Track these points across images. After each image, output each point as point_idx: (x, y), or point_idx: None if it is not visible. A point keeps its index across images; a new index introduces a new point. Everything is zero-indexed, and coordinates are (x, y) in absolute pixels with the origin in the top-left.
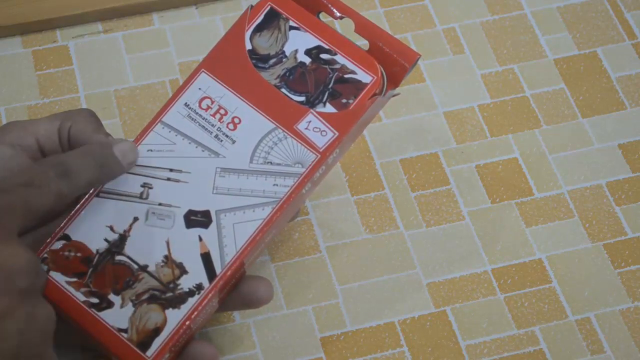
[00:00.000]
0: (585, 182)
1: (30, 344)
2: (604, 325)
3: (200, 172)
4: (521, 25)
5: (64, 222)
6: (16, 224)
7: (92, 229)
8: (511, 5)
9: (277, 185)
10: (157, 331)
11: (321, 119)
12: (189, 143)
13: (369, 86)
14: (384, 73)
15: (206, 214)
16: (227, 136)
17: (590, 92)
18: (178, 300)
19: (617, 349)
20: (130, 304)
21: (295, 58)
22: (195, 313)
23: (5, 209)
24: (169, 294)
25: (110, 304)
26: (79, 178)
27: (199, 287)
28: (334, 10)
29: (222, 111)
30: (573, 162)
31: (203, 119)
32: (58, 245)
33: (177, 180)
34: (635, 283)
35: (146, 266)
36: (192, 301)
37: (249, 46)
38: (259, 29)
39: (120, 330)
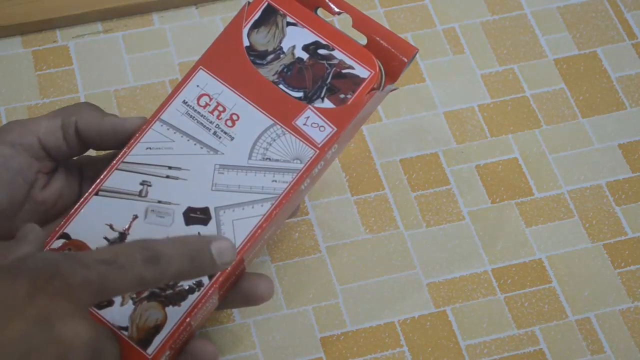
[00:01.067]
0: (585, 182)
1: None
2: (604, 325)
3: (199, 169)
4: (521, 25)
5: (64, 220)
6: (88, 300)
7: (91, 228)
8: (511, 5)
9: (276, 181)
10: (157, 329)
11: (319, 114)
12: (188, 140)
13: (366, 81)
14: (382, 68)
15: (205, 211)
16: (225, 133)
17: (590, 92)
18: (178, 298)
19: (617, 349)
20: (130, 301)
21: (293, 54)
22: (195, 310)
23: (79, 283)
24: (169, 292)
25: (110, 302)
26: (167, 267)
27: (199, 284)
28: (332, 5)
29: (220, 108)
30: (573, 162)
31: (201, 116)
32: (58, 244)
33: (176, 178)
34: (635, 283)
35: None
36: (192, 298)
37: (246, 43)
38: (256, 25)
39: (120, 328)
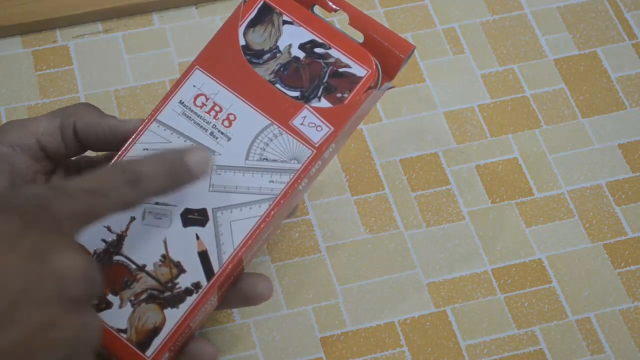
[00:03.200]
0: (585, 182)
1: (77, 355)
2: (604, 325)
3: None
4: (521, 25)
5: None
6: (77, 230)
7: (89, 230)
8: (511, 5)
9: (273, 181)
10: (156, 331)
11: (316, 114)
12: (185, 141)
13: (363, 80)
14: (379, 66)
15: (203, 212)
16: (222, 133)
17: (590, 92)
18: (176, 300)
19: (617, 349)
20: (128, 304)
21: (290, 53)
22: (194, 312)
23: (68, 214)
24: (167, 294)
25: (109, 305)
26: (148, 186)
27: (197, 285)
28: (329, 3)
29: (217, 108)
30: (573, 162)
31: (198, 116)
32: None
33: None
34: (635, 283)
35: (144, 266)
36: (190, 300)
37: (242, 42)
38: (252, 24)
39: (119, 330)
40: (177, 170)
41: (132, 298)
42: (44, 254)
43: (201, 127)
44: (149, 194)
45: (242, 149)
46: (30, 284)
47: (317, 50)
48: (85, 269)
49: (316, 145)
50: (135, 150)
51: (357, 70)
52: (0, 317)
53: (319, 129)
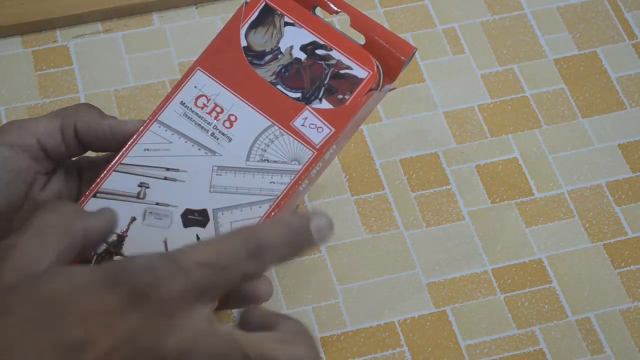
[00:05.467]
0: (585, 182)
1: None
2: (604, 325)
3: (197, 170)
4: (521, 25)
5: None
6: (188, 308)
7: None
8: (511, 5)
9: (274, 182)
10: None
11: (317, 115)
12: (186, 142)
13: (364, 81)
14: (380, 68)
15: (203, 213)
16: (223, 134)
17: (590, 92)
18: None
19: (617, 349)
20: None
21: (291, 54)
22: None
23: (179, 293)
24: None
25: None
26: (270, 257)
27: None
28: (330, 5)
29: (218, 109)
30: (573, 162)
31: (199, 117)
32: None
33: (174, 180)
34: (635, 283)
35: None
36: None
37: (244, 43)
38: (254, 25)
39: None
40: (301, 239)
41: None
42: (141, 338)
43: (202, 128)
44: (269, 266)
45: (243, 150)
46: None
47: (319, 51)
48: (187, 352)
49: (317, 147)
50: (136, 150)
51: (359, 71)
52: None
53: (319, 130)
